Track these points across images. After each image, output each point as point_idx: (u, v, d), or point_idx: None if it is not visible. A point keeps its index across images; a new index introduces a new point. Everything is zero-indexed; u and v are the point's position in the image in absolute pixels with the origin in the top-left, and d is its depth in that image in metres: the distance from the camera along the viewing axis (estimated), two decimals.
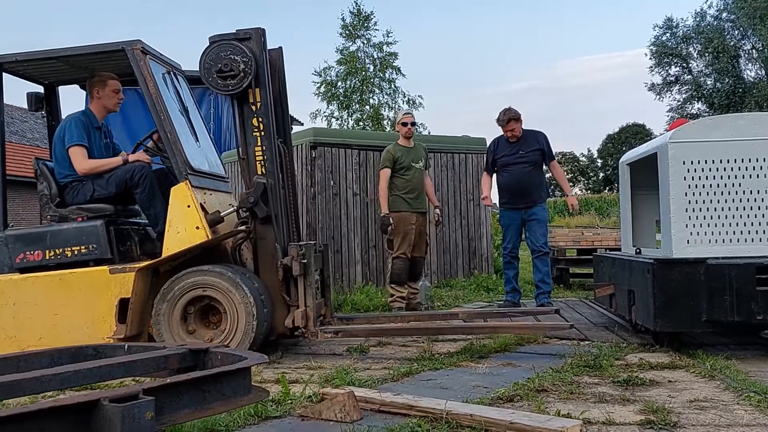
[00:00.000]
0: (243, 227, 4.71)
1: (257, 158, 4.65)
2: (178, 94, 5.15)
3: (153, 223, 4.85)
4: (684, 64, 39.17)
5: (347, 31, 30.79)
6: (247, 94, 4.62)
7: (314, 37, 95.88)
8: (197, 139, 5.20)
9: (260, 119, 4.63)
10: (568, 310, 6.95)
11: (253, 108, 4.64)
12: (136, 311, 4.50)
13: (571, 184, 64.00)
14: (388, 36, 30.78)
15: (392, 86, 30.86)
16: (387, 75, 30.71)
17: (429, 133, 28.95)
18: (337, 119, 30.47)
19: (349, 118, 30.53)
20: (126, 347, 2.93)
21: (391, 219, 6.83)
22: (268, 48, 4.82)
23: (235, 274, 4.47)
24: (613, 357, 4.41)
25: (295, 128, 19.81)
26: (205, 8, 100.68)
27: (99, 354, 2.94)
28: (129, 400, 1.94)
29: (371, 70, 30.77)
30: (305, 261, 4.58)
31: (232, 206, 4.83)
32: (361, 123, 30.20)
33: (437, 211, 7.37)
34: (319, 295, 4.99)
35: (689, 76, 39.15)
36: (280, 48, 5.01)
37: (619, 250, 6.57)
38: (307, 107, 72.60)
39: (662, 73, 39.17)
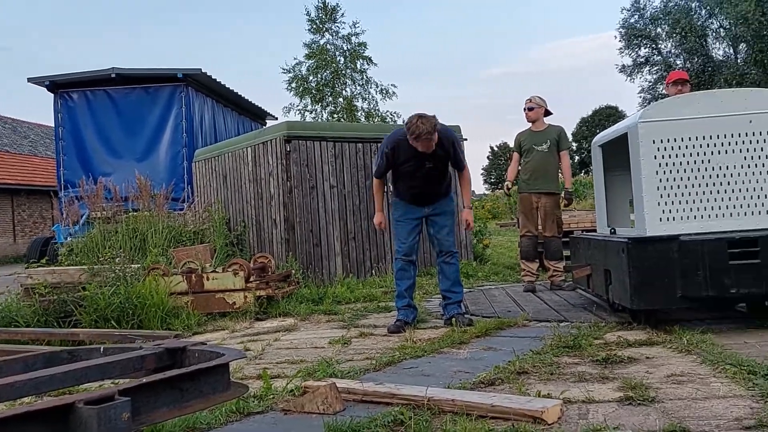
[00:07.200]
0: None
1: None
2: None
3: None
4: (653, 46, 39.31)
5: (314, 26, 30.57)
6: None
7: (283, 32, 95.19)
8: None
9: None
10: (546, 292, 7.01)
11: None
12: None
13: None
14: (355, 27, 30.61)
15: (364, 77, 30.75)
16: (358, 66, 30.58)
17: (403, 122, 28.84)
18: (311, 112, 30.33)
19: (323, 111, 30.40)
20: (102, 349, 2.90)
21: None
22: None
23: None
24: (592, 336, 4.45)
25: (269, 122, 19.76)
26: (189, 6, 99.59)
27: (74, 357, 2.89)
28: (105, 401, 1.91)
29: (342, 62, 30.61)
30: None
31: None
32: (335, 115, 30.07)
33: (563, 193, 7.44)
34: None
35: (659, 57, 39.32)
36: None
37: (595, 231, 6.63)
38: (280, 102, 72.41)
39: (632, 54, 39.29)
